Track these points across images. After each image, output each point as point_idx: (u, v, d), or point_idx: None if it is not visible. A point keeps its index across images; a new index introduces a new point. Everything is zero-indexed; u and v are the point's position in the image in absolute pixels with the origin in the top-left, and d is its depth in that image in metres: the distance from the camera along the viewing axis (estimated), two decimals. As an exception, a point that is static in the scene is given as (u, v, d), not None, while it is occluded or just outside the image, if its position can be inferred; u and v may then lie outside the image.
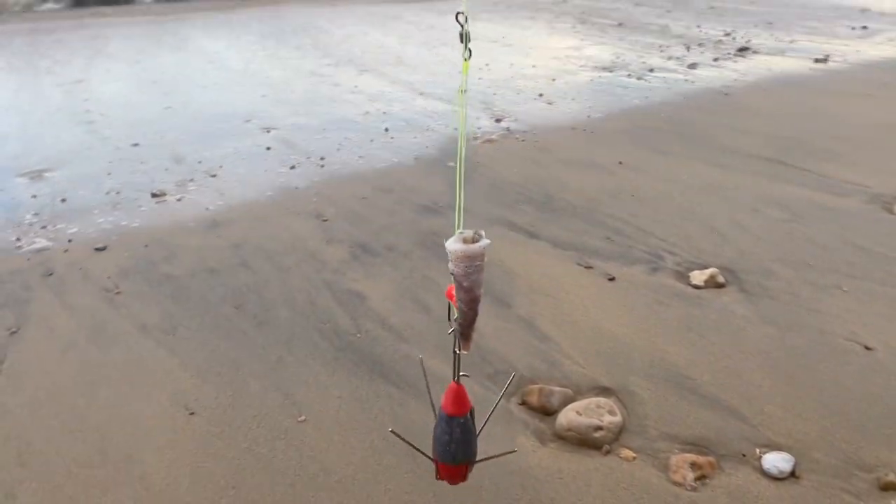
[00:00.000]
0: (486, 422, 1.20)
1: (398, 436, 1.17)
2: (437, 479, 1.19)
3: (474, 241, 0.99)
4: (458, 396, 1.12)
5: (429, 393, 1.20)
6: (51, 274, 3.45)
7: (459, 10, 0.94)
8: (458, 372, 1.13)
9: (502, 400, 2.51)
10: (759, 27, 10.00)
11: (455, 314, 1.08)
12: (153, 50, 9.38)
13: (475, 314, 1.05)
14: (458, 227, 1.02)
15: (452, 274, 1.00)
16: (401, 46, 9.28)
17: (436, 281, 3.30)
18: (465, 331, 1.08)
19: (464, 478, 1.18)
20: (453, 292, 1.06)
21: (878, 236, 3.61)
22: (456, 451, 1.12)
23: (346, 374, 2.66)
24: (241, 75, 7.91)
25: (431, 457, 1.18)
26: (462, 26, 0.94)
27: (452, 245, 0.98)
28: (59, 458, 2.29)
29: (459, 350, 1.12)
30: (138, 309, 3.14)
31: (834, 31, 9.68)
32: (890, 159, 4.70)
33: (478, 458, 1.18)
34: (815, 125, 5.48)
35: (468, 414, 1.13)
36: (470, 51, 0.95)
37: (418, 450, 1.18)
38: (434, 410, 1.19)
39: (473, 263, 0.99)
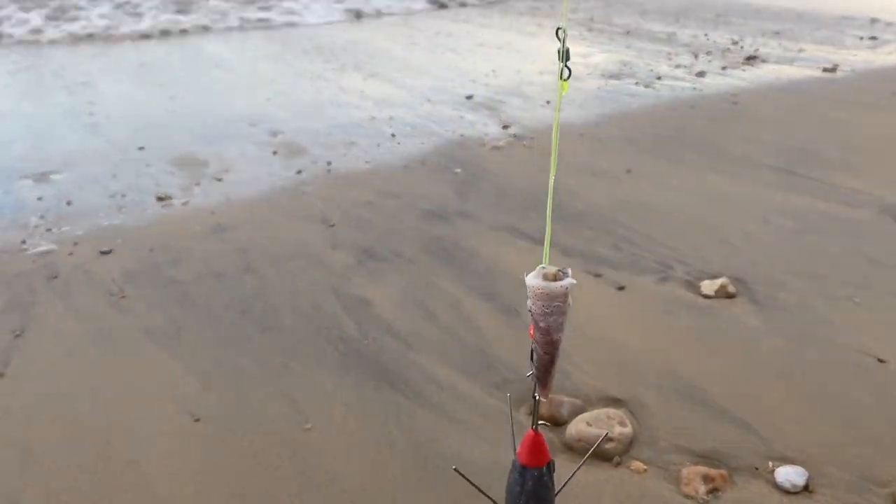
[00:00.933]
0: (565, 483, 1.11)
1: (464, 476, 1.09)
2: None
3: (556, 278, 0.90)
4: (535, 446, 1.03)
5: (512, 434, 1.11)
6: (56, 277, 3.43)
7: (559, 25, 0.85)
8: (537, 419, 1.04)
9: (513, 412, 2.48)
10: (766, 36, 9.98)
11: (535, 354, 0.99)
12: (159, 53, 9.38)
13: (552, 359, 0.96)
14: (545, 261, 0.94)
15: (530, 311, 0.92)
16: (407, 52, 9.28)
17: (442, 288, 3.28)
18: (542, 376, 0.99)
19: None
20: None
21: (890, 248, 3.58)
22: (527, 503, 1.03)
23: (353, 382, 2.63)
24: (247, 79, 7.91)
25: (478, 488, 1.10)
26: (561, 42, 0.85)
27: (531, 280, 0.90)
28: (61, 463, 2.26)
29: (538, 397, 1.02)
30: (143, 313, 3.11)
31: (842, 40, 9.65)
32: (900, 170, 4.67)
33: None
34: (825, 135, 5.45)
35: (545, 468, 1.03)
36: (569, 70, 0.86)
37: (487, 496, 1.10)
38: (515, 453, 1.11)
39: (552, 304, 0.90)
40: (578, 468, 1.18)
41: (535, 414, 1.04)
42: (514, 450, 1.10)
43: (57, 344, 2.90)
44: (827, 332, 2.89)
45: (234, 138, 5.65)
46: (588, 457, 1.20)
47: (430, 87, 7.31)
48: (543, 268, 0.91)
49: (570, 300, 0.92)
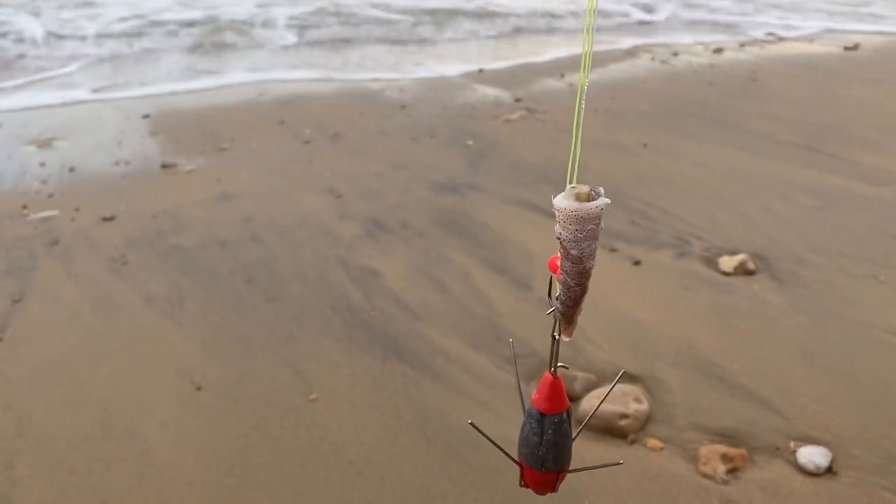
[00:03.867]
0: (582, 426, 0.99)
1: (480, 431, 0.96)
2: (520, 485, 0.96)
3: (589, 198, 0.77)
4: (554, 391, 0.90)
5: (518, 383, 1.00)
6: (57, 243, 3.35)
7: None
8: (556, 362, 0.91)
9: (522, 385, 2.40)
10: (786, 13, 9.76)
11: (557, 290, 0.86)
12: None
13: (584, 291, 0.83)
14: (572, 181, 0.81)
15: (559, 238, 0.79)
16: (415, 20, 9.11)
17: (452, 260, 3.19)
18: (569, 311, 0.86)
19: (553, 488, 0.95)
20: (557, 263, 0.83)
21: (914, 226, 3.46)
22: (546, 455, 0.91)
23: (359, 352, 2.55)
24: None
25: (516, 459, 0.98)
26: None
27: (562, 202, 0.77)
28: (59, 430, 2.20)
29: (559, 335, 0.90)
30: (145, 280, 3.04)
31: (862, 18, 9.43)
32: (925, 148, 4.53)
33: (572, 466, 0.95)
34: (846, 112, 5.30)
35: (565, 413, 0.91)
36: None
37: (503, 450, 0.97)
38: (522, 403, 0.99)
39: (586, 227, 0.78)
40: (599, 405, 1.06)
41: (554, 356, 0.91)
42: (521, 399, 0.97)
43: (57, 310, 2.83)
44: (850, 310, 2.79)
45: (240, 107, 5.55)
46: (610, 390, 1.06)
47: (441, 58, 7.17)
48: (574, 187, 0.78)
49: (602, 223, 0.80)
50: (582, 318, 2.68)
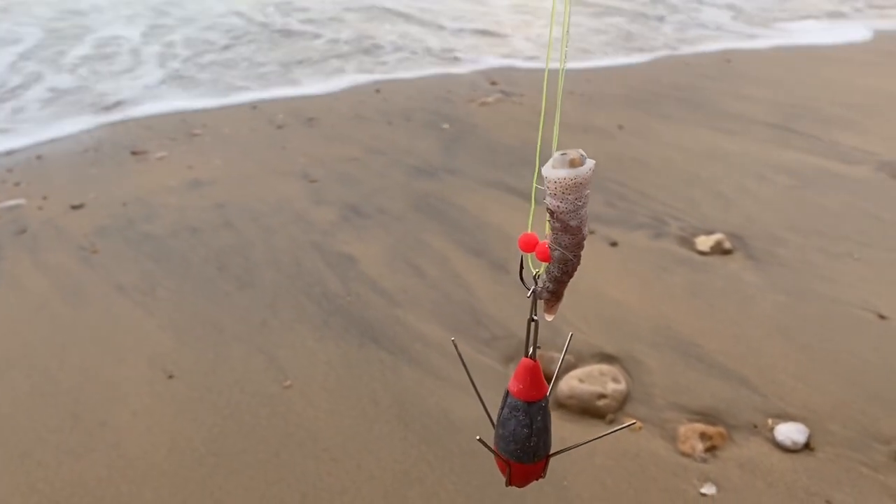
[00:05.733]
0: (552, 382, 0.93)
1: (486, 444, 0.89)
2: (507, 485, 0.89)
3: (580, 162, 0.70)
4: (537, 376, 0.84)
5: (472, 382, 0.92)
6: (24, 231, 3.27)
7: None
8: (535, 345, 0.84)
9: (499, 366, 2.38)
10: (759, -4, 9.78)
11: (528, 271, 0.80)
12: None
13: (578, 262, 0.77)
14: (555, 146, 0.73)
15: (553, 212, 0.71)
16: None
17: (430, 245, 3.15)
18: (561, 287, 0.79)
19: (541, 475, 0.89)
20: (534, 241, 0.77)
21: (889, 204, 3.48)
22: (537, 444, 0.85)
23: (335, 339, 2.52)
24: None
25: (498, 454, 0.89)
26: None
27: (558, 173, 0.69)
28: (28, 422, 2.14)
29: (536, 316, 0.82)
30: (115, 268, 2.97)
31: None
32: (898, 128, 4.56)
33: (555, 448, 0.89)
34: (822, 93, 5.32)
35: (547, 395, 0.85)
36: None
37: (502, 458, 0.88)
38: (483, 402, 0.90)
39: (583, 193, 0.71)
40: (560, 365, 1.00)
41: (533, 339, 0.85)
42: (482, 402, 0.89)
43: (24, 300, 2.76)
44: (827, 288, 2.80)
45: (211, 91, 5.44)
46: (565, 353, 1.00)
47: (418, 42, 7.09)
48: (564, 153, 0.70)
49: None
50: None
